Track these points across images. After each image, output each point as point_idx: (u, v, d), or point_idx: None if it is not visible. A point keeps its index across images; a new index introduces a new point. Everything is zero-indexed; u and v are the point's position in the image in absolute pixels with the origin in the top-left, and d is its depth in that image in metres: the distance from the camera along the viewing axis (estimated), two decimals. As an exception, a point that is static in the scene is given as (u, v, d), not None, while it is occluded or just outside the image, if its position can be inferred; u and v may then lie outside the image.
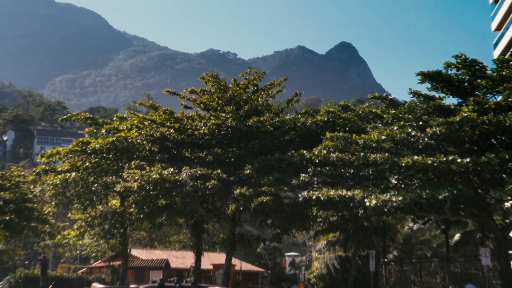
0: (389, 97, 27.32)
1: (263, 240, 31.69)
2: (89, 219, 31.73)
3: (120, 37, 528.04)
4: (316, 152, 23.39)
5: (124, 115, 35.18)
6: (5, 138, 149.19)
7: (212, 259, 44.78)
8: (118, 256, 39.39)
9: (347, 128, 26.26)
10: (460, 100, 23.67)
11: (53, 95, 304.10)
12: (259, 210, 26.88)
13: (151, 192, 26.08)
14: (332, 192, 21.43)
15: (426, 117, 22.28)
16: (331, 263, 39.44)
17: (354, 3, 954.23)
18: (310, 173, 23.43)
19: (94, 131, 34.51)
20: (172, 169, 25.45)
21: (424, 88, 23.76)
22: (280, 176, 24.90)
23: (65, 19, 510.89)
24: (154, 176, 24.93)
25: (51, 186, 30.91)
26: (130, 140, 29.64)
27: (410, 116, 22.84)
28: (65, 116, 36.40)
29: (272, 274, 49.89)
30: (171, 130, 29.00)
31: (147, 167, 26.30)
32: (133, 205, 27.34)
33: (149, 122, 29.65)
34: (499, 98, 21.96)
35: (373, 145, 22.27)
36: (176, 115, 30.03)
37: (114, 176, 29.58)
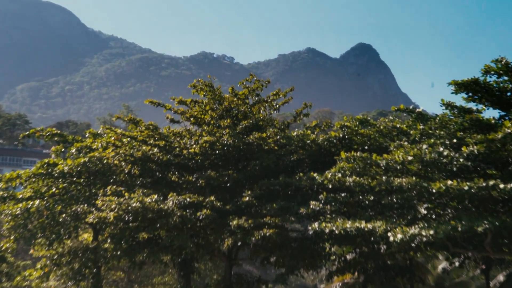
0: (417, 109, 27.39)
1: (265, 282, 31.50)
2: (55, 257, 31.58)
3: (94, 38, 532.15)
4: (329, 176, 23.36)
5: (99, 131, 35.23)
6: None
7: (203, 305, 44.55)
8: (90, 302, 39.17)
9: (366, 147, 26.32)
10: (502, 113, 23.72)
11: (13, 107, 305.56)
12: (260, 246, 26.85)
13: (130, 224, 26.07)
14: (348, 224, 21.35)
15: (462, 133, 22.34)
16: (348, 310, 39.21)
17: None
18: (322, 201, 23.41)
19: (62, 150, 34.56)
20: (156, 196, 25.43)
21: (459, 99, 23.83)
22: (286, 204, 24.87)
23: (28, 15, 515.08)
24: (134, 205, 24.86)
25: (10, 217, 30.80)
26: (105, 161, 29.66)
27: (442, 133, 22.90)
28: (27, 132, 36.37)
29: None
30: (155, 149, 29.07)
31: (126, 194, 26.24)
32: (109, 240, 27.28)
33: (128, 139, 29.71)
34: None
35: (398, 167, 22.27)
36: (161, 131, 30.10)
37: (86, 205, 29.51)
